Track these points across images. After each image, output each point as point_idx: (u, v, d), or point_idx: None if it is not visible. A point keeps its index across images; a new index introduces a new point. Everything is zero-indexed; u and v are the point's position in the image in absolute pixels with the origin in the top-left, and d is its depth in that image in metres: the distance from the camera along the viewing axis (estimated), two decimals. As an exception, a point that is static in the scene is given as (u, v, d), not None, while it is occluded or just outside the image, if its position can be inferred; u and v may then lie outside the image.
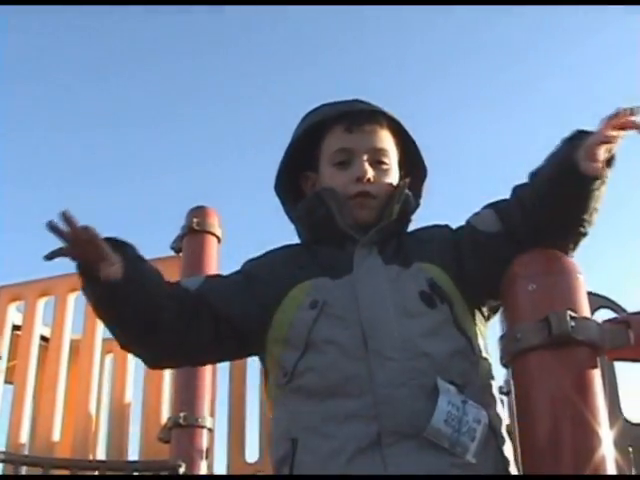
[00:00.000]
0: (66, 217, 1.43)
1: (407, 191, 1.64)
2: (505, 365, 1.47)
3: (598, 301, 1.47)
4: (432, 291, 1.51)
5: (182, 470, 3.01)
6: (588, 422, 1.31)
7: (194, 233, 3.54)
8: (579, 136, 1.48)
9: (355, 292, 1.50)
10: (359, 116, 1.65)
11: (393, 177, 1.66)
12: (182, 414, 3.14)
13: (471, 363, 1.49)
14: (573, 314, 1.36)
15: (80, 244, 1.46)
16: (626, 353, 1.50)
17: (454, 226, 1.67)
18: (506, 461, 1.46)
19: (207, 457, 3.20)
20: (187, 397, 3.23)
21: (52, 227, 1.44)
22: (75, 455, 3.57)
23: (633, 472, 2.11)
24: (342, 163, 1.64)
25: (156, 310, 1.54)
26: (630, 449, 1.75)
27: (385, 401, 1.40)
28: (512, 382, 1.44)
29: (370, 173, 1.61)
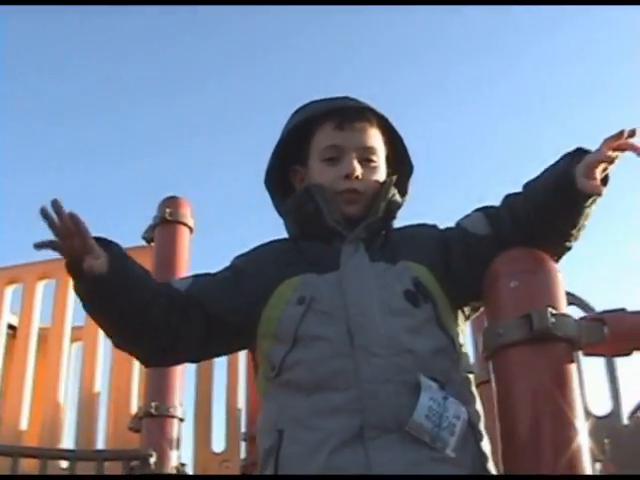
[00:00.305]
0: (56, 206, 1.46)
1: (393, 188, 1.69)
2: (487, 358, 1.52)
3: (568, 298, 1.53)
4: (417, 290, 1.55)
5: (153, 459, 3.02)
6: (566, 414, 1.37)
7: (166, 223, 3.55)
8: (579, 153, 1.53)
9: (342, 289, 1.54)
10: (349, 113, 1.69)
11: (380, 174, 1.70)
12: (153, 403, 3.16)
13: (452, 361, 1.54)
14: (553, 311, 1.42)
15: (68, 236, 1.48)
16: (600, 349, 1.57)
17: (441, 226, 1.72)
18: (484, 456, 1.51)
19: (178, 447, 3.23)
20: (159, 386, 3.24)
21: (44, 214, 1.46)
22: (43, 444, 3.56)
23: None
24: (331, 159, 1.67)
25: (144, 306, 1.57)
26: (606, 441, 1.84)
27: (370, 396, 1.44)
28: (493, 375, 1.49)
29: (358, 170, 1.65)
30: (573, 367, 1.44)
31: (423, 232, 1.70)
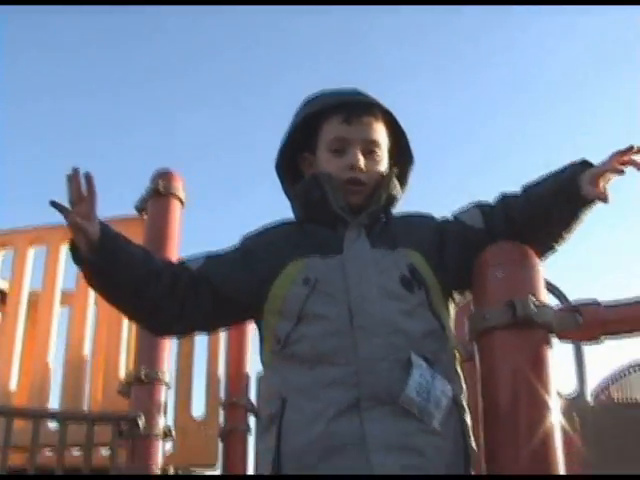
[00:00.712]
0: (77, 172, 1.62)
1: (394, 179, 1.83)
2: (472, 340, 1.67)
3: (546, 288, 1.69)
4: (412, 276, 1.69)
5: (141, 422, 3.16)
6: (542, 393, 1.52)
7: (159, 196, 3.65)
8: (584, 163, 1.69)
9: (344, 272, 1.68)
10: (357, 108, 1.81)
11: (383, 166, 1.83)
12: (143, 370, 3.28)
13: (441, 343, 1.69)
14: (534, 300, 1.57)
15: (79, 201, 1.62)
16: (572, 335, 1.73)
17: (437, 216, 1.86)
18: (466, 430, 1.66)
19: (165, 411, 3.36)
20: (148, 353, 3.36)
21: (71, 178, 1.61)
22: (32, 406, 3.65)
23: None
24: (338, 151, 1.80)
25: (139, 283, 1.71)
26: (577, 419, 2.00)
27: (366, 371, 1.59)
28: (477, 355, 1.64)
29: (362, 162, 1.78)
30: (550, 351, 1.59)
31: (421, 222, 1.84)
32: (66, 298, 3.99)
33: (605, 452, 1.85)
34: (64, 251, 3.90)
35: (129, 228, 3.76)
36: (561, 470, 1.48)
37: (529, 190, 1.78)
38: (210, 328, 1.99)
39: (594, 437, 1.91)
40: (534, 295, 1.58)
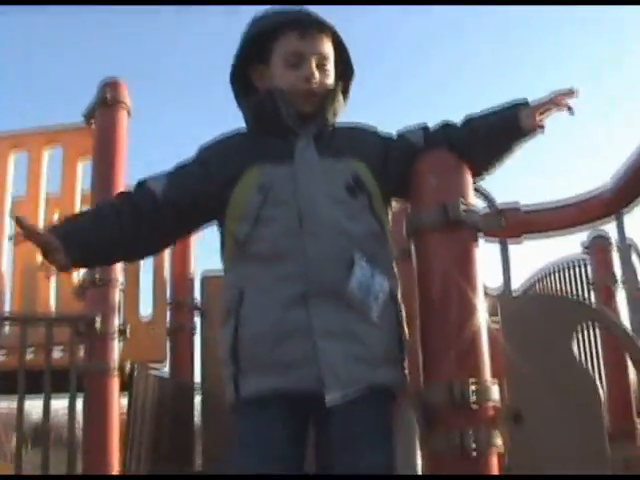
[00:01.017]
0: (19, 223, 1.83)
1: (339, 92, 1.99)
2: (408, 238, 1.88)
3: (474, 192, 1.91)
4: (355, 184, 1.88)
5: (98, 322, 3.33)
6: (470, 286, 1.75)
7: (106, 106, 3.71)
8: (525, 103, 1.92)
9: (295, 180, 1.85)
10: (309, 24, 1.95)
11: (331, 78, 1.98)
12: (98, 273, 3.42)
13: (380, 243, 1.89)
14: (464, 203, 1.78)
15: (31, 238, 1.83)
16: (497, 234, 1.96)
17: (384, 132, 2.05)
18: (401, 321, 1.87)
19: (119, 312, 3.53)
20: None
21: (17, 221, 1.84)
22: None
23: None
24: (294, 65, 1.94)
25: (116, 238, 1.90)
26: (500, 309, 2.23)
27: (314, 269, 1.78)
28: (413, 252, 1.85)
29: (317, 74, 1.94)
30: (477, 248, 1.81)
31: (365, 135, 2.02)
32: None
33: (526, 340, 2.09)
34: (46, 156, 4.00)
35: (79, 137, 3.86)
36: (485, 351, 1.72)
37: (472, 120, 1.97)
38: (180, 239, 2.18)
39: (517, 327, 2.15)
40: (464, 199, 1.79)
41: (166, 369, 4.76)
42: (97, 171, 3.65)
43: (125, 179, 3.63)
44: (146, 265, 4.76)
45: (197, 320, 4.97)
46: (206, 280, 4.98)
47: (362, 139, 2.00)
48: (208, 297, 4.93)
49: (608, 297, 4.83)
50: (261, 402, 1.76)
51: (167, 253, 4.93)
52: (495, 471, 1.64)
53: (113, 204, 1.95)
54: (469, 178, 1.85)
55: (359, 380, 1.75)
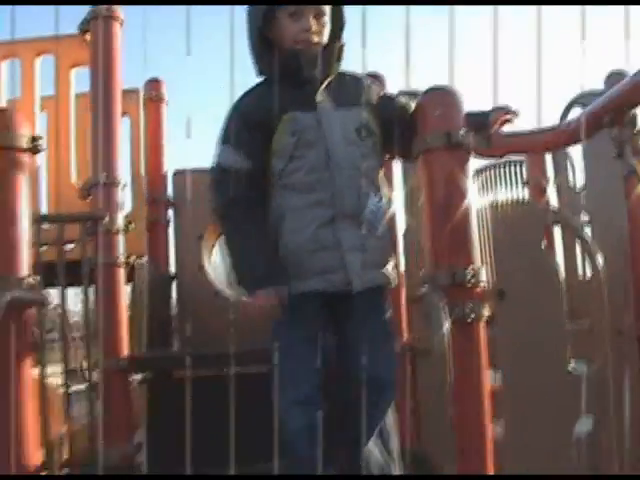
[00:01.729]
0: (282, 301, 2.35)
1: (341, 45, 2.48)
2: (416, 158, 2.37)
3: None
4: (364, 129, 2.41)
5: (107, 219, 3.68)
6: (466, 194, 2.26)
7: (99, 18, 3.95)
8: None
9: (320, 125, 2.36)
10: None
11: (327, 29, 2.46)
12: (103, 174, 3.74)
13: (382, 177, 2.48)
14: (462, 131, 2.27)
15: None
16: (483, 153, 2.48)
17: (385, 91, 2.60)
18: (393, 229, 2.48)
19: (122, 209, 3.88)
20: (106, 160, 3.78)
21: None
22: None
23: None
24: (294, 17, 2.40)
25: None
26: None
27: (339, 196, 2.34)
28: (421, 170, 2.34)
29: (314, 27, 2.41)
30: (469, 164, 2.31)
31: (369, 87, 2.52)
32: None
33: (508, 238, 2.71)
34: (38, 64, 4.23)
35: (75, 48, 4.12)
36: (477, 244, 2.25)
37: None
38: None
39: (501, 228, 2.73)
40: (462, 129, 2.27)
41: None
42: (95, 74, 3.88)
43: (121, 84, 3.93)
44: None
45: (170, 213, 5.30)
46: (178, 176, 5.27)
47: (365, 89, 2.50)
48: (179, 192, 5.23)
49: (540, 195, 5.38)
50: (304, 298, 2.34)
51: (142, 152, 5.19)
52: (484, 334, 2.20)
53: (247, 220, 2.36)
54: (463, 110, 2.33)
55: (372, 280, 2.39)
